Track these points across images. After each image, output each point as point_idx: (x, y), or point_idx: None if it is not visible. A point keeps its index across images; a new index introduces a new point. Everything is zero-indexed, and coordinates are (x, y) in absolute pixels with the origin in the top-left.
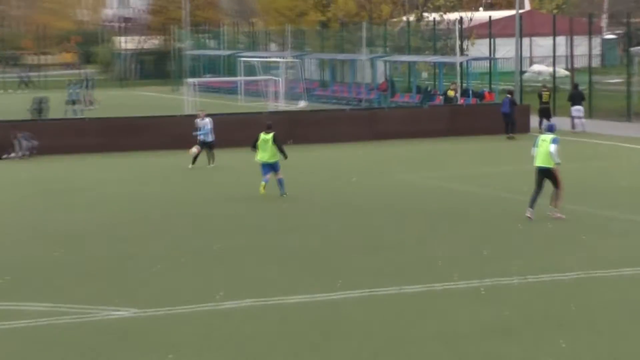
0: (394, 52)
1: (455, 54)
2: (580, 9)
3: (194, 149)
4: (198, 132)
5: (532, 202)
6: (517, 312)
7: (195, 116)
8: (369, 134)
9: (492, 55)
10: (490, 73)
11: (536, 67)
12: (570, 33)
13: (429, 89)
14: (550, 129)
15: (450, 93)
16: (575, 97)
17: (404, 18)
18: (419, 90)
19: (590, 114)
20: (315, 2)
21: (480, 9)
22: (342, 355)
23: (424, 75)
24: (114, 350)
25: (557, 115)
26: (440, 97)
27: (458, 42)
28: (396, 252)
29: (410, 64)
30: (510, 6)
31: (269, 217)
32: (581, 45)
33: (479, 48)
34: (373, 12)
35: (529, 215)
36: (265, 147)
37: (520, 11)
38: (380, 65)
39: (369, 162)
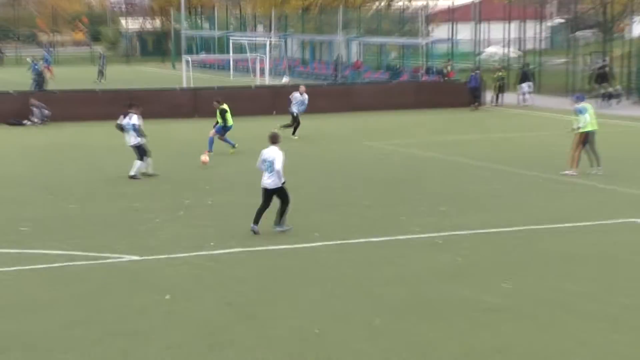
0: (367, 34)
1: (420, 37)
2: None
3: (206, 158)
4: (294, 104)
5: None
6: (468, 259)
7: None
8: (345, 106)
9: (452, 38)
10: (452, 54)
11: (491, 49)
12: (524, 18)
13: (397, 67)
14: (581, 99)
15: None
16: (525, 76)
17: (376, 3)
18: (388, 68)
19: (538, 90)
20: None
21: None
22: (318, 294)
23: (393, 55)
24: (122, 288)
25: (508, 92)
26: (406, 74)
27: (423, 26)
28: (365, 210)
29: (381, 45)
30: None
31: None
32: (532, 29)
33: (442, 31)
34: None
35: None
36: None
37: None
38: (354, 46)
39: (344, 131)
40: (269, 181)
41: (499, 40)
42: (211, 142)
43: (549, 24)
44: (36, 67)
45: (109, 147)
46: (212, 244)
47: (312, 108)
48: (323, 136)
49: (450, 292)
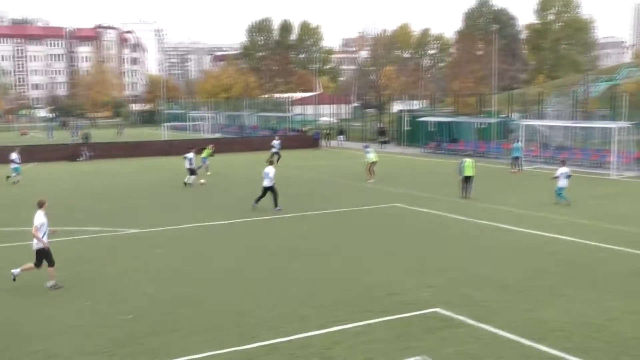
0: (260, 111)
1: (287, 112)
2: (344, 92)
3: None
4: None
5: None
6: (315, 226)
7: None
8: (248, 149)
9: (303, 113)
10: (302, 121)
11: (324, 118)
12: (339, 102)
13: (276, 128)
14: (367, 146)
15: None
16: (341, 131)
17: (264, 95)
18: (271, 128)
19: (348, 138)
20: (224, 87)
21: (300, 91)
22: (268, 252)
23: (274, 122)
24: (128, 247)
25: (332, 139)
26: (281, 131)
27: (289, 107)
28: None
29: (267, 116)
30: (313, 91)
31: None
32: (344, 107)
33: (298, 109)
34: (251, 92)
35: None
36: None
37: (317, 93)
38: (254, 117)
39: (249, 162)
40: (266, 182)
41: (327, 114)
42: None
43: (352, 104)
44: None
45: (125, 172)
46: (189, 221)
47: (230, 149)
48: (235, 165)
49: (302, 246)
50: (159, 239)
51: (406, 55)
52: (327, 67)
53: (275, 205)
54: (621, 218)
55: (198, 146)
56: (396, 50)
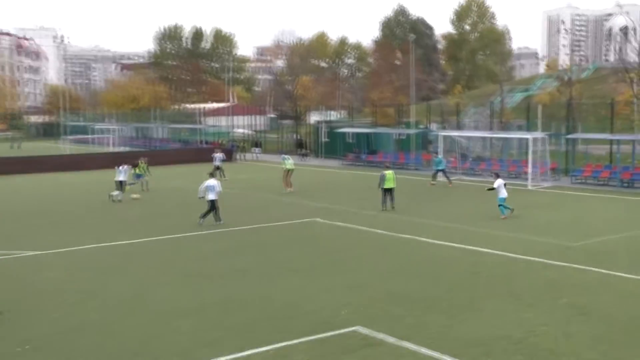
0: (171, 123)
1: (199, 123)
2: (259, 103)
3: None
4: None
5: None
6: (231, 243)
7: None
8: (159, 162)
9: (216, 125)
10: (216, 133)
11: (236, 130)
12: (255, 113)
13: (188, 140)
14: (284, 152)
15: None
16: (257, 143)
17: (175, 106)
18: (182, 140)
19: (264, 151)
20: (131, 97)
21: (213, 102)
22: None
23: (186, 133)
24: (27, 270)
25: (246, 152)
26: (193, 144)
27: (201, 118)
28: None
29: (179, 128)
30: (227, 101)
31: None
32: (260, 118)
33: (211, 121)
34: (161, 103)
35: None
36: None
37: (232, 103)
38: (165, 129)
39: (163, 174)
40: (210, 196)
41: (242, 125)
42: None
43: (268, 115)
44: None
45: (22, 189)
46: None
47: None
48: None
49: (216, 265)
50: (62, 261)
51: (323, 64)
52: (242, 76)
53: (218, 217)
54: (539, 229)
55: (121, 160)
56: (313, 60)
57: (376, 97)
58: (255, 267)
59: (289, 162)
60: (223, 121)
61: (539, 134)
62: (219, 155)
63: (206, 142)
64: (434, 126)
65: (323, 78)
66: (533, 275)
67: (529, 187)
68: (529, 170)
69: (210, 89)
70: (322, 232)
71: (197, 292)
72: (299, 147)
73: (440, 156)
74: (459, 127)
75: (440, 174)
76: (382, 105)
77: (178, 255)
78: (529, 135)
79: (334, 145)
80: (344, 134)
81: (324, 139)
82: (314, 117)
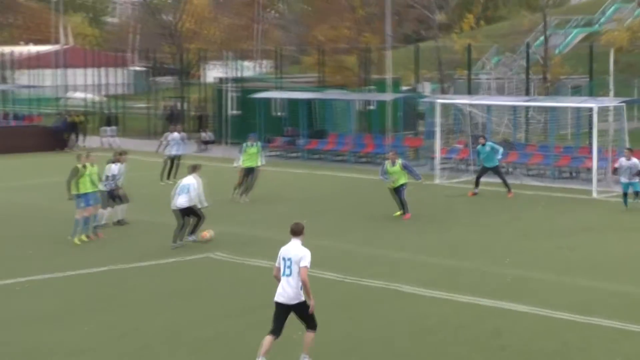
0: None
1: (6, 81)
2: (115, 45)
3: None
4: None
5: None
6: (59, 301)
7: None
8: None
9: (35, 85)
10: (38, 99)
11: (72, 94)
12: (107, 65)
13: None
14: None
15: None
16: (109, 119)
17: None
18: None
19: (123, 133)
20: None
21: (30, 43)
22: None
23: None
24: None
25: (90, 134)
26: None
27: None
28: None
29: None
30: (56, 42)
31: None
32: (116, 73)
33: (29, 77)
34: None
35: None
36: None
37: (65, 46)
38: None
39: None
40: (180, 201)
41: (84, 86)
42: None
43: (132, 69)
44: None
45: None
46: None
47: None
48: None
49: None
50: None
51: None
52: None
53: (192, 232)
54: (610, 268)
55: None
56: None
57: (324, 37)
58: (116, 340)
59: (251, 151)
60: (48, 78)
61: (611, 101)
62: (175, 136)
63: (16, 117)
64: (426, 87)
65: (231, 4)
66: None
67: (594, 196)
68: (594, 165)
69: (27, 19)
70: (217, 278)
71: None
72: (201, 128)
73: (491, 143)
74: (470, 89)
75: (493, 175)
76: (334, 51)
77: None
78: (593, 104)
79: (249, 123)
80: (267, 101)
81: (231, 111)
82: (214, 73)
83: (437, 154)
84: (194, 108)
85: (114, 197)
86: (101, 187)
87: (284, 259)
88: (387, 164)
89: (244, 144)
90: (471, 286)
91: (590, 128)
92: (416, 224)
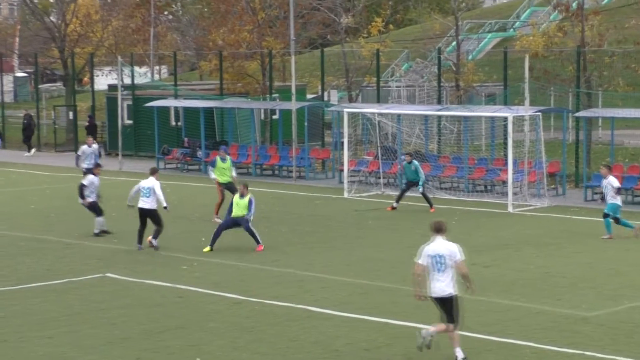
0: None
1: None
2: None
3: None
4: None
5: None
6: None
7: None
8: None
9: None
10: None
11: None
12: None
13: None
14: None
15: None
16: None
17: None
18: None
19: (3, 145)
20: None
21: None
22: None
23: None
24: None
25: None
26: None
27: None
28: None
29: None
30: None
31: None
32: None
33: None
34: None
35: None
36: None
37: None
38: None
39: None
40: (144, 203)
41: None
42: None
43: (14, 74)
44: None
45: None
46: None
47: None
48: None
49: None
50: None
51: None
52: None
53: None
54: (528, 286)
55: None
56: None
57: (223, 41)
58: None
59: (224, 165)
60: None
61: (526, 110)
62: (85, 148)
63: None
64: (333, 96)
65: (121, 2)
66: None
67: (510, 210)
68: (509, 177)
69: None
70: (113, 299)
71: None
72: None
73: (417, 163)
74: (380, 97)
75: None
76: (235, 56)
77: None
78: (508, 113)
79: (145, 133)
80: (163, 110)
81: (125, 120)
82: (104, 80)
83: (346, 166)
84: (87, 117)
85: None
86: None
87: (434, 256)
88: (236, 196)
89: (216, 158)
90: (381, 306)
91: (506, 138)
92: (325, 241)
